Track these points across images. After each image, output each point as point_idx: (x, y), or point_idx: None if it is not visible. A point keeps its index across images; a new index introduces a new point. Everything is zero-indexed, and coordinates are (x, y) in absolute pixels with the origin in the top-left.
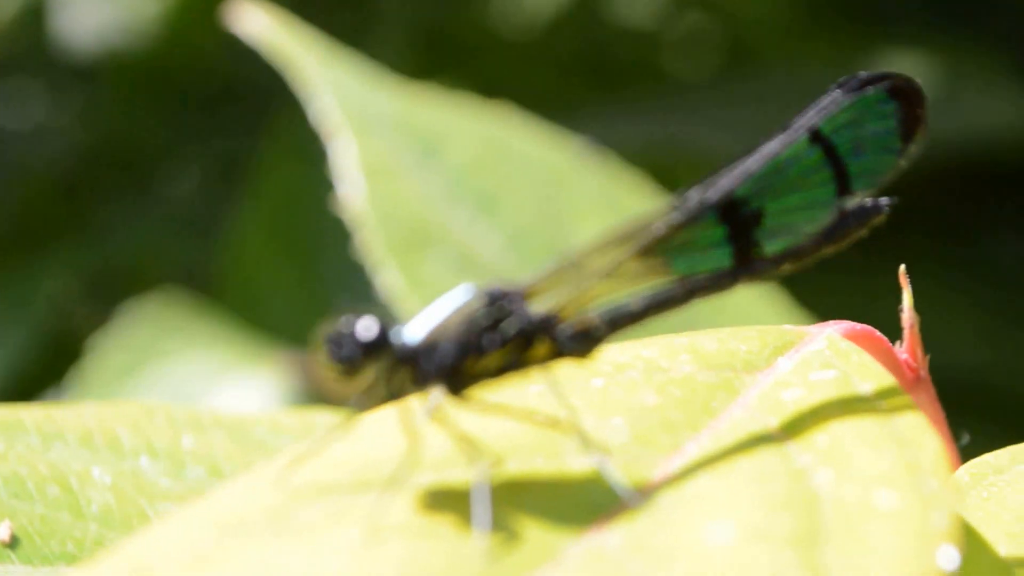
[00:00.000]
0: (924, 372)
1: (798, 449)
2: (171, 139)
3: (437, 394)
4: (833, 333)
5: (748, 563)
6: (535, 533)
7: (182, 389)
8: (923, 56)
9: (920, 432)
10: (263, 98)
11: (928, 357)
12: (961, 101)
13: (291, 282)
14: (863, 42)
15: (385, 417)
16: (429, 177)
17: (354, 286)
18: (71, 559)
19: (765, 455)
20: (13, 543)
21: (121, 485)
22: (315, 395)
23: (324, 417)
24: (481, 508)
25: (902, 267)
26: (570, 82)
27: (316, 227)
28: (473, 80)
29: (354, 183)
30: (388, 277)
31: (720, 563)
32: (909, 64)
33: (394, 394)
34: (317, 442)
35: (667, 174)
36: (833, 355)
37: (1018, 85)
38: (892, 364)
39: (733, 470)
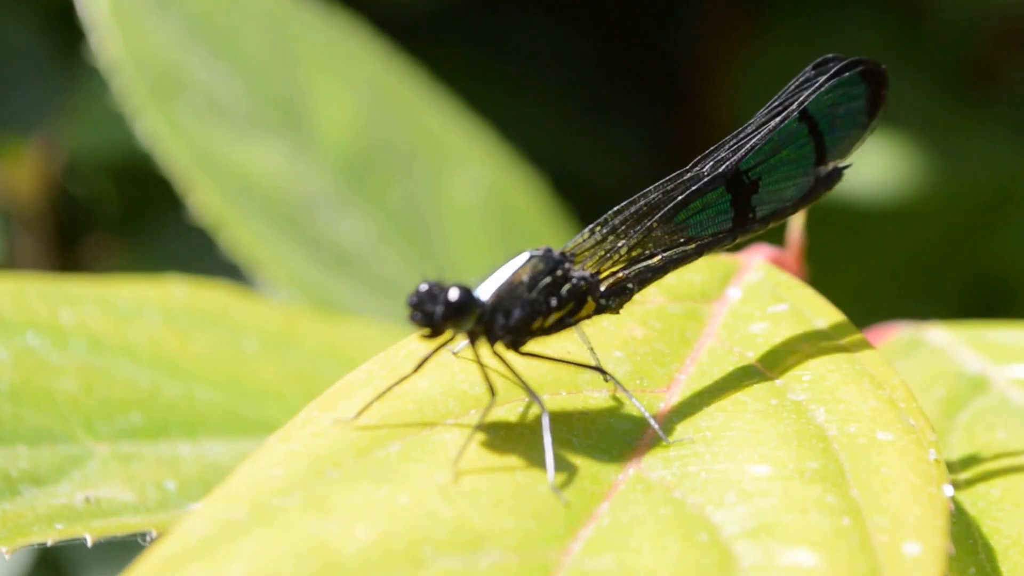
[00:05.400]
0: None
1: (787, 385)
2: None
3: (501, 346)
4: (762, 260)
5: (795, 500)
6: (586, 465)
7: None
8: None
9: (885, 369)
10: None
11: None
12: None
13: None
14: None
15: (438, 360)
16: (168, 24)
17: (31, 113)
18: None
19: (760, 391)
20: None
21: (19, 362)
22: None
23: (179, 289)
24: (548, 448)
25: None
26: None
27: None
28: None
29: (108, 31)
30: (148, 122)
31: (770, 499)
32: None
33: (467, 347)
34: (389, 384)
35: None
36: (777, 286)
37: None
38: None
39: (740, 406)
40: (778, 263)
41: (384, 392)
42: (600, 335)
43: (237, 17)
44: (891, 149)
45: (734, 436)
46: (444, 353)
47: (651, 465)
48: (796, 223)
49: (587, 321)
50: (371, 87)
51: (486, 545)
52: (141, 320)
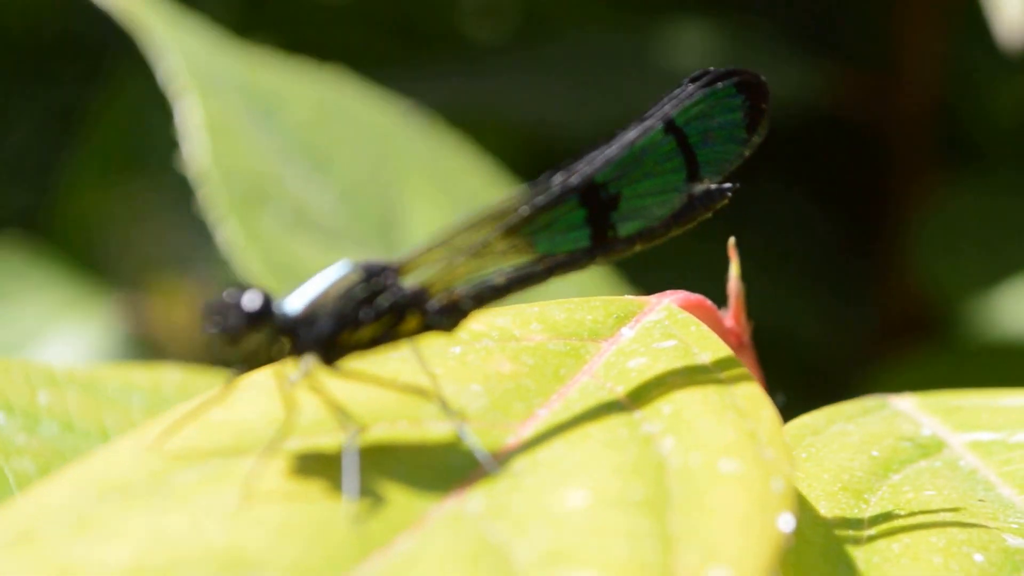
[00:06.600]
0: (746, 337)
1: (645, 417)
2: (2, 90)
3: (311, 363)
4: (671, 303)
5: (603, 528)
6: (399, 497)
7: (16, 330)
8: (709, 26)
9: (756, 402)
10: (95, 51)
11: (752, 323)
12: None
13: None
14: (651, 11)
15: (259, 383)
16: (268, 136)
17: (188, 231)
18: None
19: (614, 423)
20: None
21: None
22: (146, 339)
23: (172, 374)
24: (350, 474)
25: (731, 239)
26: (374, 44)
27: (152, 173)
28: (286, 39)
29: (198, 142)
30: (228, 231)
31: (576, 528)
32: (696, 33)
33: (272, 362)
34: (196, 407)
35: (473, 134)
36: (672, 324)
37: (798, 56)
38: (719, 330)
39: (585, 437)
40: (704, 313)
41: (189, 417)
42: (462, 369)
43: (339, 131)
44: None
45: (566, 468)
46: (277, 382)
47: (472, 498)
48: (732, 273)
49: (439, 349)
50: (469, 203)
51: (254, 571)
52: (125, 404)
